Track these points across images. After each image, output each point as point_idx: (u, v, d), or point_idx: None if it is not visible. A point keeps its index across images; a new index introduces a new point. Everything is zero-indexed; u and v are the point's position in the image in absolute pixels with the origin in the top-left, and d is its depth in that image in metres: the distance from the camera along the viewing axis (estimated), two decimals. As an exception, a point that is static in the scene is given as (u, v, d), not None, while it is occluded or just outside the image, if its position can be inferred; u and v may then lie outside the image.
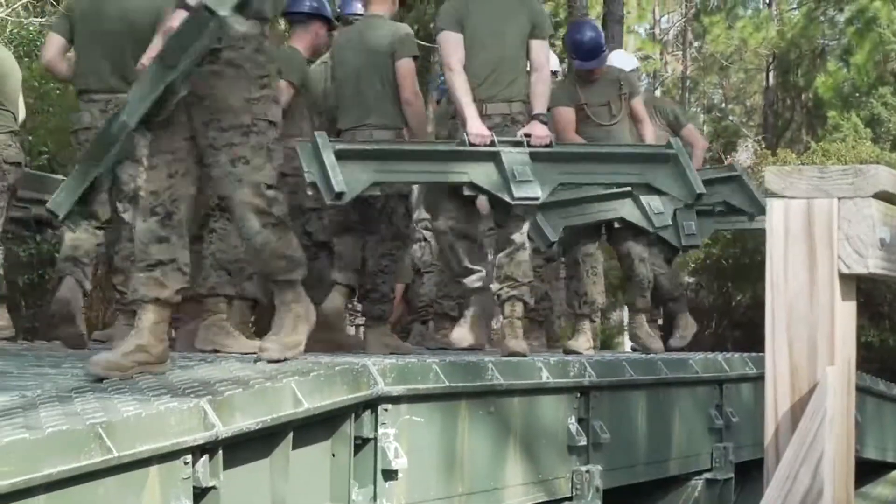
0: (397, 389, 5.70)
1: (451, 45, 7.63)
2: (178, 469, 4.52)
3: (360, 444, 5.60)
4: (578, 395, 6.97)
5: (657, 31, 37.76)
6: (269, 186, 5.74)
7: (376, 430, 5.62)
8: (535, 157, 7.42)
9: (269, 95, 5.82)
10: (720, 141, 36.71)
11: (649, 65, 30.53)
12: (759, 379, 8.51)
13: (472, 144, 7.33)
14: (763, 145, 28.65)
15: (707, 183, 8.55)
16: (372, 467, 5.62)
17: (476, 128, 7.35)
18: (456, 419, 6.15)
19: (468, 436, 6.22)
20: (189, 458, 4.56)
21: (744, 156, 31.45)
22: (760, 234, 4.21)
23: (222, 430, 4.64)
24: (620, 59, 10.88)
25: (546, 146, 7.52)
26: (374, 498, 5.63)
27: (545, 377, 6.69)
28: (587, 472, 6.85)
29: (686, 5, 37.97)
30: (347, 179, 6.98)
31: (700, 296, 21.17)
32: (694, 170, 7.70)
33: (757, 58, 38.66)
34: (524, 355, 7.39)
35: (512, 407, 6.54)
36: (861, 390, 9.33)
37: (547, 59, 7.81)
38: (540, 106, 7.59)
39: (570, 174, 7.77)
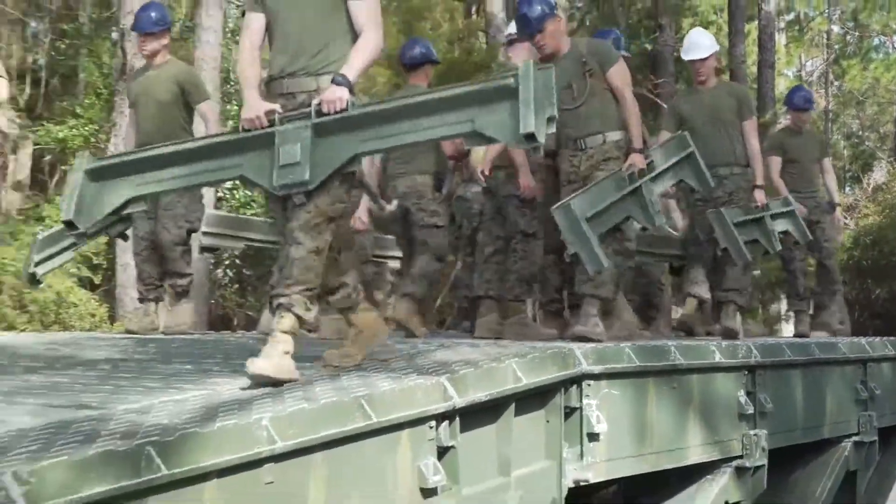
0: (597, 368, 5.72)
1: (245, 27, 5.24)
2: (425, 432, 4.57)
3: (569, 412, 5.62)
4: (746, 372, 6.85)
5: (803, 73, 37.05)
6: None
7: (581, 401, 5.64)
8: (321, 129, 4.75)
9: None
10: (858, 162, 36.17)
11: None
12: (896, 359, 8.33)
13: (244, 130, 4.88)
14: (895, 166, 28.02)
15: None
16: (578, 431, 5.64)
17: (251, 111, 4.85)
18: (645, 392, 6.11)
19: (655, 406, 6.17)
20: (433, 423, 4.60)
21: (878, 174, 30.90)
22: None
23: (458, 401, 4.67)
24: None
25: (340, 112, 4.75)
26: (581, 456, 5.64)
27: (718, 358, 6.61)
28: (755, 435, 6.74)
29: (827, 52, 37.22)
30: (90, 203, 4.96)
31: (843, 291, 20.78)
32: (533, 104, 4.39)
33: (888, 93, 37.88)
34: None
35: (691, 382, 6.46)
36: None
37: (372, 18, 4.98)
38: (350, 67, 4.85)
39: (373, 140, 4.81)
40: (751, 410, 6.76)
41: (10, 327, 13.62)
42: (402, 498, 4.49)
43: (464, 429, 4.78)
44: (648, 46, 22.89)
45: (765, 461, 6.80)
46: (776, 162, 9.97)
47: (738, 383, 6.82)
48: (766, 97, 19.42)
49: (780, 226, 8.69)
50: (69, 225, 4.94)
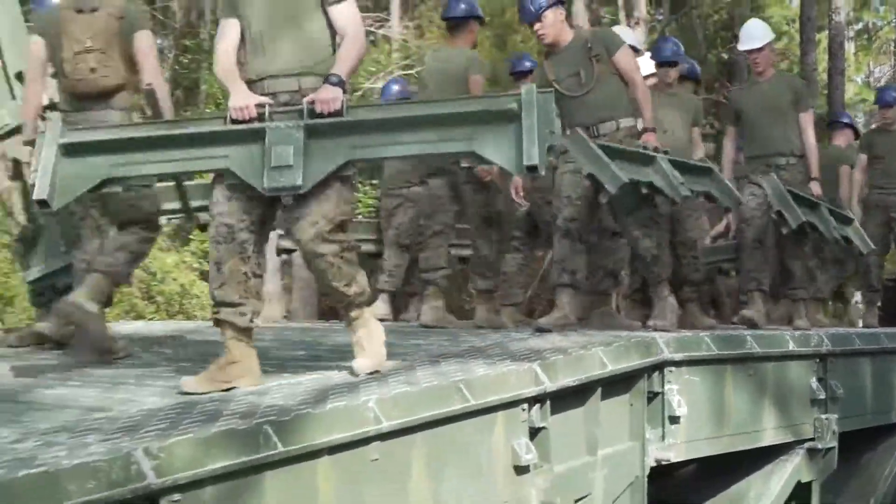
0: (678, 356, 5.70)
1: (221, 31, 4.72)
2: (518, 414, 4.57)
3: (652, 396, 5.62)
4: (818, 360, 6.76)
5: (871, 79, 36.45)
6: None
7: (663, 386, 5.64)
8: (313, 131, 4.31)
9: None
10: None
11: (867, 105, 29.46)
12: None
13: (233, 121, 4.39)
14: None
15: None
16: (660, 414, 5.64)
17: (239, 100, 4.39)
18: (723, 378, 6.07)
19: (732, 391, 6.12)
20: (526, 406, 4.60)
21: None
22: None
23: (549, 385, 4.66)
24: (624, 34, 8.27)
25: (333, 113, 4.32)
26: (663, 437, 5.65)
27: (792, 346, 6.53)
28: (826, 419, 6.65)
29: (894, 58, 36.60)
30: (65, 181, 4.35)
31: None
32: (537, 134, 4.07)
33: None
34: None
35: (766, 369, 6.39)
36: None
37: (353, 21, 4.55)
38: (340, 68, 4.42)
39: (366, 148, 4.41)
40: (822, 396, 6.67)
41: (139, 316, 13.89)
42: (497, 475, 4.49)
43: (554, 411, 4.77)
44: (725, 56, 22.67)
45: (835, 444, 6.71)
46: (862, 159, 9.76)
47: (811, 370, 6.72)
48: (836, 101, 19.16)
49: (843, 232, 8.30)
50: (42, 203, 4.34)
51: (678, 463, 5.94)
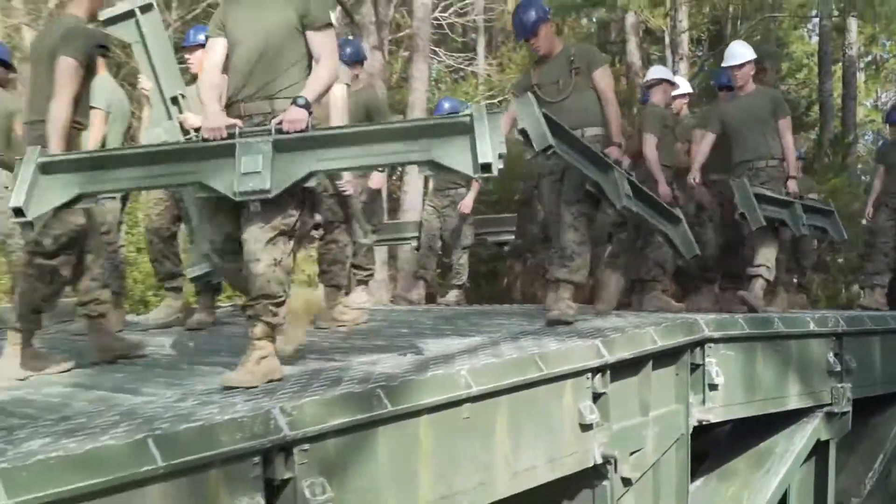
0: (717, 334, 5.61)
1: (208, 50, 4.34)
2: (583, 382, 4.55)
3: (694, 368, 5.54)
4: (834, 338, 6.58)
5: (878, 103, 35.53)
6: None
7: (704, 359, 5.57)
8: (281, 145, 3.91)
9: None
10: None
11: (875, 125, 28.72)
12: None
13: (204, 140, 3.98)
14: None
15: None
16: (702, 382, 5.57)
17: (212, 122, 4.00)
18: (754, 353, 5.94)
19: (762, 364, 6.00)
20: (589, 375, 4.58)
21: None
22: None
23: (609, 358, 4.64)
24: (661, 71, 8.24)
25: (300, 131, 3.94)
26: (703, 402, 5.59)
27: (812, 326, 6.38)
28: (841, 387, 6.46)
29: (898, 85, 35.73)
30: (40, 194, 4.02)
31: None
32: (489, 141, 3.78)
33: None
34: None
35: (790, 345, 6.24)
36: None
37: (327, 49, 4.14)
38: (308, 92, 4.00)
39: (330, 160, 3.98)
40: (838, 368, 6.49)
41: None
42: (566, 431, 4.49)
43: (613, 379, 4.76)
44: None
45: (849, 408, 6.53)
46: (879, 170, 9.52)
47: (828, 346, 6.54)
48: (848, 123, 18.79)
49: (819, 222, 7.94)
50: (17, 212, 3.98)
51: (716, 423, 5.88)
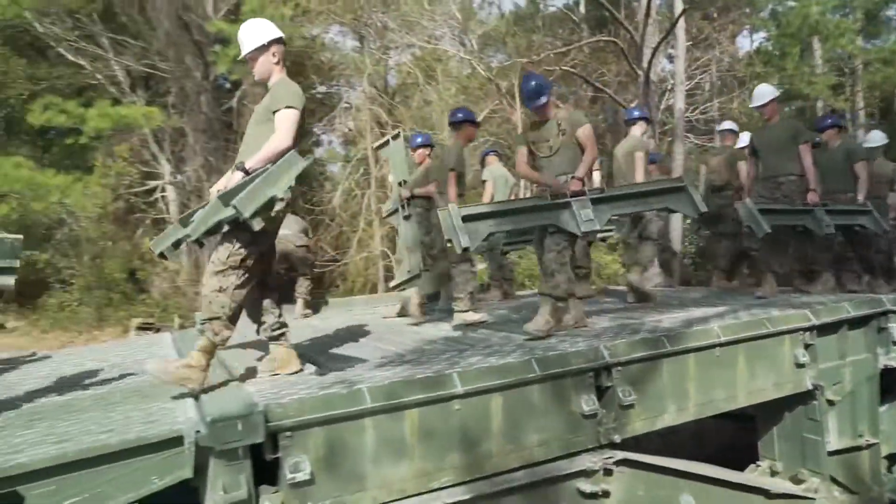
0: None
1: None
2: (798, 336, 4.62)
3: (881, 330, 5.23)
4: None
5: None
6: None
7: (888, 324, 5.27)
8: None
9: None
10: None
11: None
12: None
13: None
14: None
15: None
16: (887, 340, 5.27)
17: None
18: None
19: None
20: (802, 332, 4.62)
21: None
22: None
23: (815, 322, 4.71)
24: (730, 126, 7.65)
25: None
26: (887, 353, 5.29)
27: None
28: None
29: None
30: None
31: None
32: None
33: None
34: None
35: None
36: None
37: (281, 125, 3.66)
38: (253, 159, 3.62)
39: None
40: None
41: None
42: (786, 368, 4.58)
43: (819, 335, 4.77)
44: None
45: None
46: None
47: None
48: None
49: (860, 221, 6.64)
50: (161, 256, 4.20)
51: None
